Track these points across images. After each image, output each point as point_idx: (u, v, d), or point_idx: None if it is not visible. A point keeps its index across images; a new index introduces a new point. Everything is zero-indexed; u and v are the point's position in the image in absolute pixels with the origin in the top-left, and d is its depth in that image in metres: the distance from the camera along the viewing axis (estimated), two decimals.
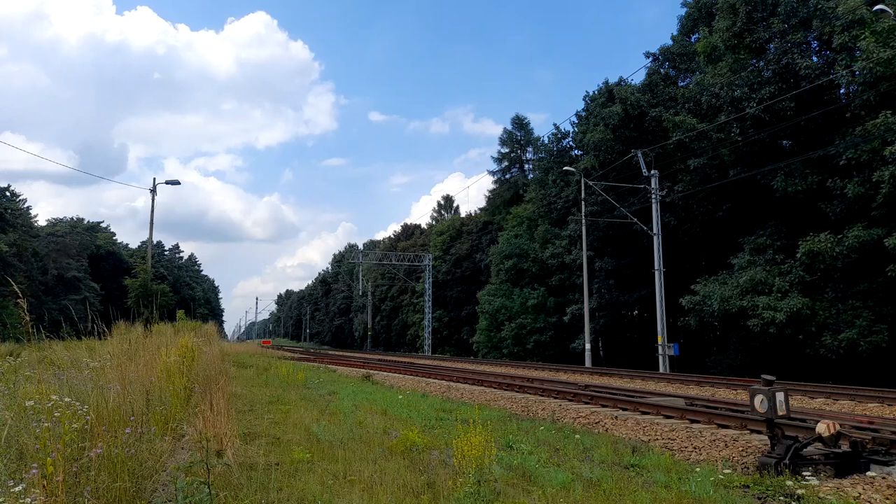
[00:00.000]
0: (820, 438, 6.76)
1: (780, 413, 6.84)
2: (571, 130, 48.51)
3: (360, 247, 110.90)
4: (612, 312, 41.21)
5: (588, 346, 35.70)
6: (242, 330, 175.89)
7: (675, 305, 31.81)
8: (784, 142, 28.86)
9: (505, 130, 67.72)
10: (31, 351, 9.25)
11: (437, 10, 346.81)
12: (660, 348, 31.00)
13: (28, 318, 4.62)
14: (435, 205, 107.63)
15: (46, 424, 3.80)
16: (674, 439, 9.21)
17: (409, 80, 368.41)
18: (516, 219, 53.27)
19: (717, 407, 10.83)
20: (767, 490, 6.14)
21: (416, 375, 23.51)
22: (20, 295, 4.59)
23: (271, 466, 5.73)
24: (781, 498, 5.90)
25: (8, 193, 65.95)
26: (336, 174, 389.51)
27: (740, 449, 8.06)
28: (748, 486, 6.29)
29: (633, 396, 13.61)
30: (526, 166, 65.43)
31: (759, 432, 8.72)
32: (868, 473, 6.59)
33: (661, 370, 29.90)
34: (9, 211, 62.63)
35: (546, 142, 51.05)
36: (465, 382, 19.82)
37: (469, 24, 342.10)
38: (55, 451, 3.61)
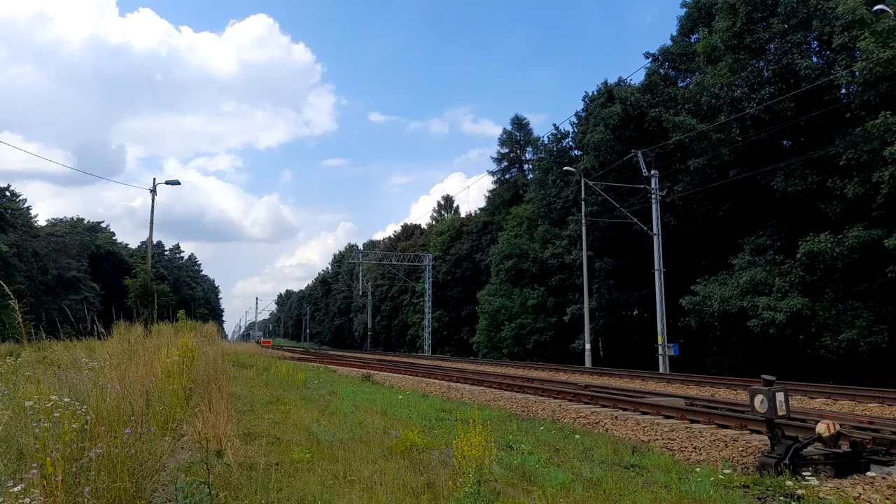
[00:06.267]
0: (820, 438, 6.76)
1: (780, 413, 6.83)
2: (571, 131, 48.62)
3: (360, 247, 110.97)
4: (612, 312, 41.21)
5: (588, 346, 35.70)
6: (242, 330, 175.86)
7: (675, 305, 31.81)
8: (784, 142, 28.88)
9: (505, 131, 67.90)
10: (30, 351, 9.25)
11: (437, 10, 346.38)
12: (660, 348, 31.00)
13: (22, 320, 4.62)
14: (435, 205, 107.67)
15: (46, 424, 3.80)
16: (674, 439, 9.21)
17: (409, 81, 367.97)
18: (516, 219, 53.29)
19: (717, 407, 10.83)
20: (767, 490, 6.14)
21: (416, 375, 23.51)
22: (13, 296, 4.59)
23: (271, 466, 5.72)
24: (781, 498, 5.90)
25: (8, 193, 65.95)
26: (336, 174, 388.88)
27: (740, 449, 8.05)
28: (748, 487, 6.29)
29: (633, 396, 13.61)
30: (526, 166, 65.49)
31: (759, 432, 8.72)
32: (868, 473, 6.58)
33: (661, 370, 29.90)
34: (9, 211, 62.62)
35: (546, 142, 51.11)
36: (465, 382, 19.82)
37: (468, 25, 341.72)
38: (55, 451, 3.60)
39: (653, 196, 32.85)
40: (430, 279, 68.74)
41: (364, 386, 17.86)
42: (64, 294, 65.82)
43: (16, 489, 3.31)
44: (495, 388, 17.59)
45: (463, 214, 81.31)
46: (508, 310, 48.21)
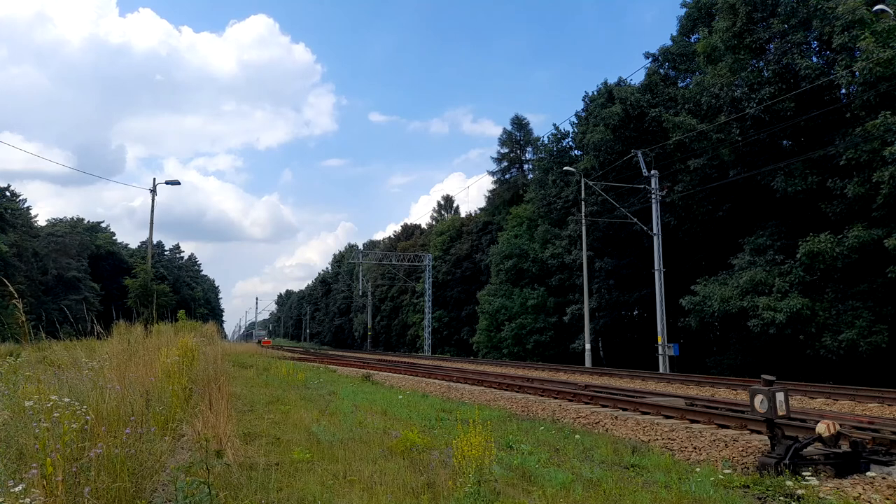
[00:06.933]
0: (820, 438, 6.76)
1: (780, 413, 6.83)
2: (571, 131, 48.61)
3: (360, 247, 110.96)
4: (612, 312, 41.21)
5: (588, 346, 35.70)
6: (243, 330, 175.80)
7: (675, 305, 31.81)
8: (784, 142, 28.87)
9: (504, 131, 67.89)
10: (31, 351, 9.26)
11: (437, 10, 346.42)
12: (660, 348, 31.00)
13: (24, 319, 4.62)
14: (435, 205, 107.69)
15: (46, 424, 3.80)
16: (674, 439, 9.21)
17: (409, 81, 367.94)
18: (516, 219, 53.29)
19: (717, 407, 10.83)
20: (767, 490, 6.14)
21: (416, 375, 23.51)
22: (16, 295, 4.58)
23: (271, 466, 5.72)
24: (781, 498, 5.90)
25: (8, 193, 65.93)
26: (336, 174, 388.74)
27: (740, 449, 8.06)
28: (748, 487, 6.29)
29: (633, 396, 13.61)
30: (526, 166, 65.49)
31: (759, 432, 8.72)
32: (868, 473, 6.58)
33: (661, 370, 29.90)
34: (9, 211, 62.61)
35: (546, 142, 51.11)
36: (465, 382, 19.82)
37: (468, 25, 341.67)
38: (55, 451, 3.61)
39: (653, 196, 32.85)
40: (430, 279, 68.73)
41: (364, 386, 17.86)
42: (64, 294, 65.81)
43: (16, 489, 3.31)
44: (495, 388, 17.59)
45: (463, 214, 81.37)
46: (508, 310, 48.20)
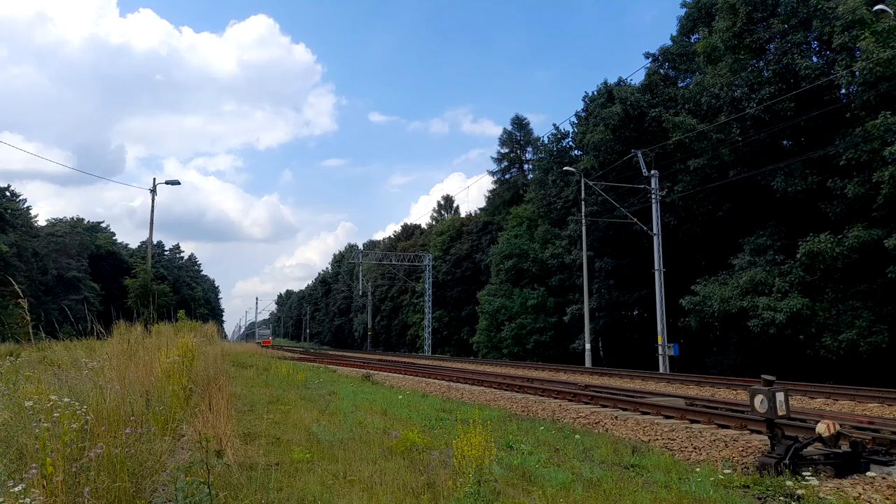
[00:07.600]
0: (820, 438, 6.76)
1: (780, 413, 6.83)
2: (571, 131, 48.61)
3: (360, 247, 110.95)
4: (612, 312, 41.21)
5: (588, 346, 35.70)
6: (243, 330, 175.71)
7: (676, 305, 31.81)
8: (784, 142, 28.88)
9: (505, 131, 67.92)
10: (31, 351, 9.26)
11: (437, 10, 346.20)
12: (660, 348, 30.99)
13: (28, 319, 4.61)
14: (435, 205, 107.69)
15: (46, 424, 3.80)
16: (674, 439, 9.21)
17: (409, 81, 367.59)
18: (516, 219, 53.29)
19: (717, 407, 10.83)
20: (767, 490, 6.14)
21: (416, 375, 23.51)
22: (20, 295, 4.58)
23: (271, 466, 5.72)
24: (781, 498, 5.90)
25: (8, 193, 65.94)
26: (336, 174, 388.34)
27: (740, 449, 8.06)
28: (748, 487, 6.29)
29: (633, 396, 13.61)
30: (526, 166, 65.51)
31: (759, 432, 8.72)
32: (868, 473, 6.58)
33: (661, 370, 29.90)
34: (9, 211, 62.61)
35: (546, 142, 51.11)
36: (465, 382, 19.82)
37: (468, 25, 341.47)
38: (55, 451, 3.60)
39: (653, 196, 32.84)
40: (430, 279, 68.73)
41: (364, 386, 17.86)
42: (64, 294, 65.77)
43: (16, 489, 3.31)
44: (495, 388, 17.59)
45: (463, 214, 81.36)
46: (508, 310, 48.20)
